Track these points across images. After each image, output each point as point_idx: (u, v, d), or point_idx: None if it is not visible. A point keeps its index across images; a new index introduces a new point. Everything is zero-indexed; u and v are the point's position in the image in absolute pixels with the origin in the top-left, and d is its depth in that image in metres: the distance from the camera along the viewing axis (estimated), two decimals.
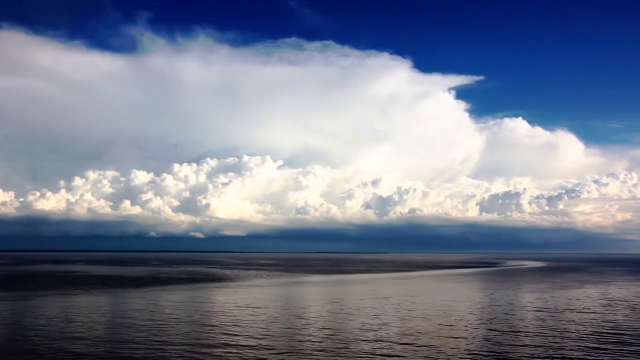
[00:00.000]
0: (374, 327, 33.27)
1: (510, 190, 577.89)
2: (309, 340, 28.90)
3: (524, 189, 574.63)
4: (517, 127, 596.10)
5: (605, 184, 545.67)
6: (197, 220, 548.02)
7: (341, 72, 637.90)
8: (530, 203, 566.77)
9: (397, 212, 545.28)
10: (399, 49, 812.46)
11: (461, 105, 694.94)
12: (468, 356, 25.19)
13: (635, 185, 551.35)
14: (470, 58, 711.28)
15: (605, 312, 41.66)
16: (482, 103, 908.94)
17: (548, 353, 25.76)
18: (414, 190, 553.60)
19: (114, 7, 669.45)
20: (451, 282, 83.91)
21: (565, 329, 32.94)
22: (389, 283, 79.03)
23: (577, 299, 51.51)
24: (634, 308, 44.34)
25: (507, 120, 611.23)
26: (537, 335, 30.42)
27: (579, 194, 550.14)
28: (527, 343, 28.20)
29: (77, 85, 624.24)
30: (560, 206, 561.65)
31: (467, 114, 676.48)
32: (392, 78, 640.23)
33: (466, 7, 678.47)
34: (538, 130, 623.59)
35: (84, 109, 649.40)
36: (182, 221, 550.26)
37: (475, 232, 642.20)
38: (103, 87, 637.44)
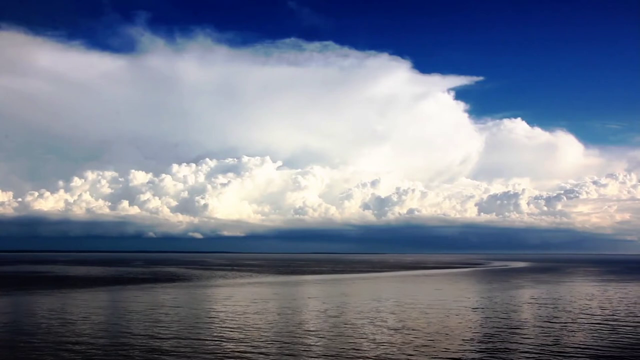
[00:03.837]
0: (275, 326, 33.75)
1: (509, 191, 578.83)
2: (199, 339, 29.24)
3: (523, 189, 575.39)
4: (516, 127, 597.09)
5: (604, 185, 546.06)
6: (196, 220, 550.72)
7: (340, 73, 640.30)
8: (528, 204, 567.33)
9: (396, 213, 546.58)
10: (399, 49, 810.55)
11: (460, 105, 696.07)
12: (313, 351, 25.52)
13: (634, 186, 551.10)
14: (469, 59, 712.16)
15: (514, 312, 41.94)
16: (482, 104, 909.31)
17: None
18: (413, 190, 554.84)
19: (112, 7, 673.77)
20: (413, 282, 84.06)
21: (449, 327, 33.23)
22: (345, 284, 79.18)
23: (509, 298, 51.75)
24: (556, 308, 44.34)
25: (506, 121, 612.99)
26: (416, 335, 30.75)
27: (577, 195, 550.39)
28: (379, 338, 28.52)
29: (76, 86, 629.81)
30: (559, 207, 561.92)
31: (466, 115, 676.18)
32: (392, 78, 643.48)
33: (465, 8, 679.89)
34: (537, 130, 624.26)
35: (83, 109, 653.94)
36: (181, 221, 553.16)
37: (474, 233, 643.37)
38: (102, 87, 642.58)
